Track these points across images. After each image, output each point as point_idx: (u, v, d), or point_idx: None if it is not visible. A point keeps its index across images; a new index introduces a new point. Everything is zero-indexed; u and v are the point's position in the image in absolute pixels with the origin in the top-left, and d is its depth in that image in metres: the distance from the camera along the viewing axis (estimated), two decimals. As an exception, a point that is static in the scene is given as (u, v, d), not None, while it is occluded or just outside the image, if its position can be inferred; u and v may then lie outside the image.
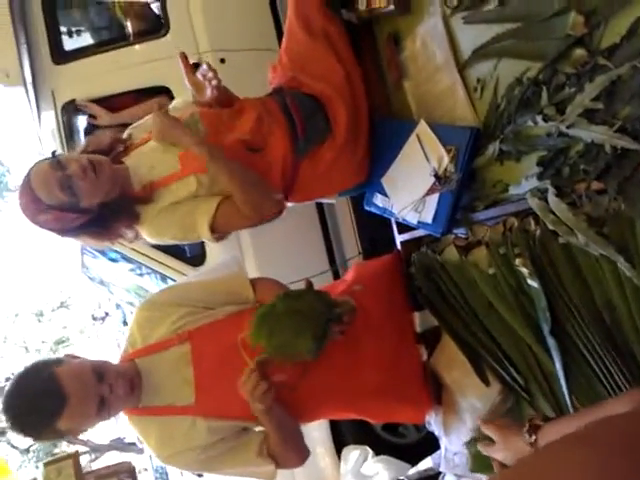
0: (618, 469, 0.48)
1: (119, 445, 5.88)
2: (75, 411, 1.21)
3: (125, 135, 1.57)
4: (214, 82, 1.47)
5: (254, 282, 1.49)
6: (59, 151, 2.61)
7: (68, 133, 2.85)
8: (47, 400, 1.19)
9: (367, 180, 1.70)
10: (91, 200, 1.37)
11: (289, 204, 1.67)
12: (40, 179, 1.34)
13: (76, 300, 14.24)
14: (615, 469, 0.48)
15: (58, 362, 1.26)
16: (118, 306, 6.13)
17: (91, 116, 2.74)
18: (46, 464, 1.50)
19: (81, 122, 2.93)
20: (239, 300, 1.45)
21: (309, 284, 1.37)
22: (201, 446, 1.33)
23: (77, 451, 1.55)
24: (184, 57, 1.47)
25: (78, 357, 1.33)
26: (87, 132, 2.75)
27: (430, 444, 1.79)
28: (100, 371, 1.26)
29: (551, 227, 1.12)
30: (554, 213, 1.10)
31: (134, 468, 1.63)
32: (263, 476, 1.40)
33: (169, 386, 1.36)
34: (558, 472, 0.48)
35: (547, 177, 1.15)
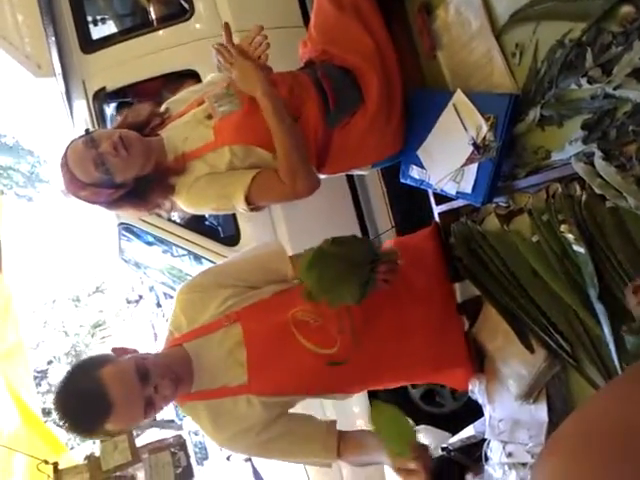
0: None
1: (159, 423, 6.06)
2: (122, 415, 1.22)
3: (162, 108, 1.59)
4: (264, 46, 1.43)
5: (293, 258, 1.50)
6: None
7: (100, 121, 2.89)
8: (94, 406, 1.19)
9: (402, 152, 1.69)
10: (124, 175, 1.40)
11: (322, 176, 1.68)
12: (76, 158, 1.37)
13: (111, 285, 14.59)
14: None
15: (104, 362, 1.24)
16: (151, 289, 6.25)
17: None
18: (103, 440, 1.57)
19: (112, 110, 2.98)
20: (279, 277, 1.47)
21: (353, 235, 1.38)
22: (258, 424, 1.34)
23: (131, 429, 1.61)
24: (227, 27, 1.44)
25: (125, 350, 1.31)
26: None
27: (467, 413, 1.81)
28: (144, 372, 1.23)
29: (598, 191, 1.10)
30: (601, 177, 1.08)
31: (184, 441, 1.69)
32: (324, 465, 1.43)
33: (221, 368, 1.35)
34: (624, 414, 0.49)
35: (593, 140, 1.12)
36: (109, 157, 1.35)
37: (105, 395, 1.17)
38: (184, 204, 1.50)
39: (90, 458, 1.57)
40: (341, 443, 1.39)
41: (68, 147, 1.40)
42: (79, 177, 1.37)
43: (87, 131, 1.43)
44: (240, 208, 1.46)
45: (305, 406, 1.47)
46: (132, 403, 1.21)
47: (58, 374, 13.14)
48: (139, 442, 1.72)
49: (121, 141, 1.36)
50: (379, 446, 1.34)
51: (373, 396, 2.75)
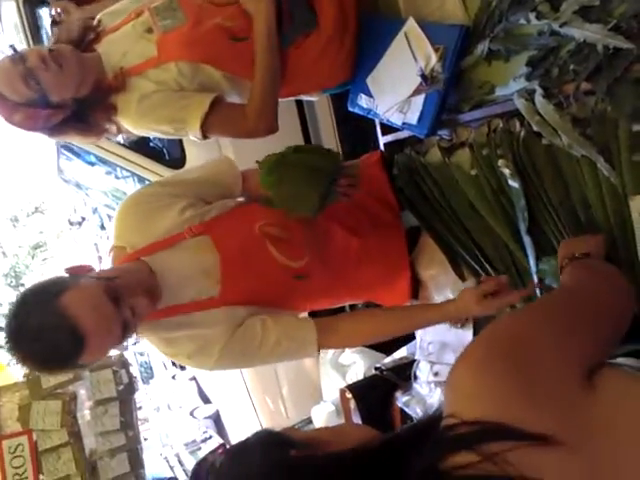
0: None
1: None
2: (97, 347, 1.05)
3: (95, 21, 1.49)
4: None
5: (244, 172, 1.47)
6: (25, 47, 2.47)
7: (33, 27, 2.67)
8: (62, 344, 1.00)
9: (352, 79, 1.67)
10: (60, 93, 1.31)
11: None
12: (3, 76, 1.28)
13: (51, 205, 14.05)
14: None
15: (62, 288, 1.03)
16: (95, 210, 6.07)
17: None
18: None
19: (46, 14, 2.75)
20: (230, 192, 1.44)
21: (318, 145, 1.36)
22: (235, 327, 1.26)
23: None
24: None
25: (82, 269, 1.14)
26: (54, 24, 2.59)
27: (401, 337, 1.92)
28: (115, 292, 1.07)
29: (536, 128, 1.14)
30: (540, 114, 1.11)
31: (126, 360, 1.72)
32: (309, 349, 1.32)
33: (188, 281, 1.26)
34: (524, 326, 0.60)
35: (535, 78, 1.14)
36: (39, 72, 1.26)
37: (73, 328, 0.99)
38: (130, 124, 1.43)
39: (29, 376, 1.58)
40: (323, 331, 1.33)
41: None
42: (8, 96, 1.27)
43: (14, 49, 1.31)
44: (192, 135, 1.41)
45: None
46: (107, 331, 1.05)
47: (-4, 295, 12.83)
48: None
49: (51, 54, 1.27)
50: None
51: (313, 316, 2.86)
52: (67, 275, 1.11)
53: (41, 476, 1.56)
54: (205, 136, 1.42)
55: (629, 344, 0.85)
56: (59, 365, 1.07)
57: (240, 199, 1.46)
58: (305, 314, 1.57)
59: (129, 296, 1.08)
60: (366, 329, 1.35)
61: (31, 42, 2.64)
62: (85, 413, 1.64)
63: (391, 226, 1.60)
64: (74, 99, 1.33)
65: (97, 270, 1.17)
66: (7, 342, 1.02)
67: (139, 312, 1.10)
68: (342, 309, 1.72)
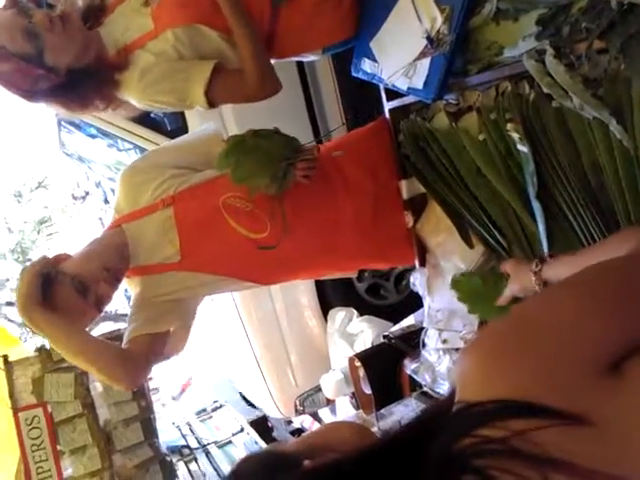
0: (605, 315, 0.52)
1: (112, 316, 6.16)
2: (79, 323, 1.32)
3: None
4: None
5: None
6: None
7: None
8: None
9: (354, 38, 1.62)
10: (57, 57, 1.28)
11: (272, 61, 1.60)
12: (4, 23, 1.23)
13: (54, 180, 14.02)
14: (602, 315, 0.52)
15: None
16: (98, 184, 6.07)
17: None
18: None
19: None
20: (214, 159, 1.47)
21: (276, 128, 1.45)
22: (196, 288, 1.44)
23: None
24: None
25: (59, 257, 1.37)
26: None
27: (409, 306, 1.93)
28: (82, 286, 1.30)
29: (546, 90, 1.11)
30: (550, 75, 1.08)
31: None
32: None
33: (155, 248, 1.44)
34: (550, 314, 0.53)
35: (546, 37, 1.11)
36: (43, 30, 1.23)
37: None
38: (134, 99, 1.42)
39: (41, 350, 1.60)
40: None
41: None
42: (4, 44, 1.22)
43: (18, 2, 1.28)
44: (198, 105, 1.41)
45: (255, 294, 1.52)
46: (81, 312, 1.31)
47: (4, 271, 12.93)
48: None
49: (59, 17, 1.25)
50: None
51: (321, 289, 2.87)
52: (50, 267, 1.33)
53: (58, 446, 1.60)
54: (211, 105, 1.40)
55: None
56: None
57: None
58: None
59: (93, 283, 1.32)
60: None
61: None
62: (97, 385, 1.66)
63: (387, 195, 1.59)
64: (68, 69, 1.30)
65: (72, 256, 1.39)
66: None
67: (103, 295, 1.34)
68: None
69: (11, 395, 1.59)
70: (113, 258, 1.39)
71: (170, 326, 1.42)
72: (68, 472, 1.61)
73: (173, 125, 2.86)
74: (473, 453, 0.45)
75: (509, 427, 0.44)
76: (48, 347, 1.59)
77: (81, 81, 1.33)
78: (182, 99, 1.39)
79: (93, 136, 3.43)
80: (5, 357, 1.61)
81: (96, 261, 1.35)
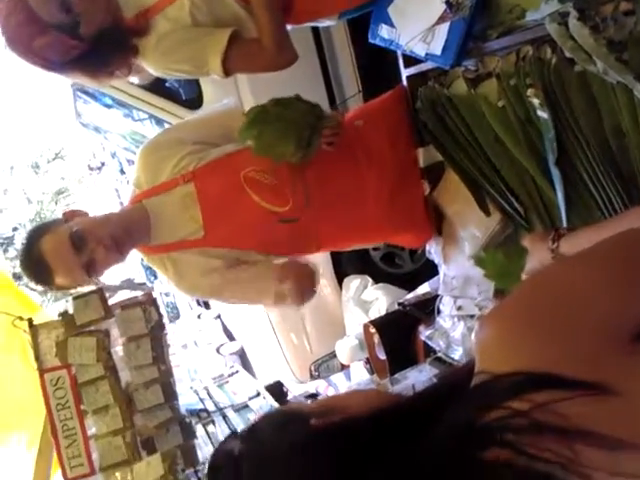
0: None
1: (130, 285, 6.26)
2: (64, 277, 1.36)
3: None
4: None
5: None
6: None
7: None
8: (39, 272, 1.36)
9: (370, 3, 1.59)
10: (90, 25, 1.27)
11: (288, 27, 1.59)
12: None
13: (71, 151, 14.11)
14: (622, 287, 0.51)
15: (44, 231, 1.35)
16: (114, 155, 6.10)
17: None
18: (75, 298, 1.63)
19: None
20: (235, 133, 1.46)
21: (297, 95, 1.43)
22: (219, 268, 1.43)
23: (102, 287, 1.67)
24: None
25: (74, 214, 1.40)
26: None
27: (423, 274, 1.94)
28: (79, 240, 1.31)
29: (569, 54, 1.09)
30: (573, 39, 1.06)
31: (155, 298, 1.77)
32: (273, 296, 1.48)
33: (178, 223, 1.43)
34: (571, 285, 0.52)
35: (569, -1, 1.08)
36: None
37: (44, 263, 1.32)
38: (151, 66, 1.42)
39: (64, 314, 1.64)
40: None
41: None
42: (41, 15, 1.21)
43: None
44: (214, 73, 1.40)
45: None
46: (69, 269, 1.34)
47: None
48: (112, 301, 1.78)
49: None
50: None
51: (336, 257, 2.88)
52: (62, 217, 1.41)
53: (82, 406, 1.66)
54: (227, 73, 1.39)
55: None
56: (44, 285, 1.41)
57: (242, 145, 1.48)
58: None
59: (93, 242, 1.32)
60: None
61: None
62: (118, 349, 1.71)
63: (405, 164, 1.58)
64: (93, 36, 1.30)
65: (91, 215, 1.43)
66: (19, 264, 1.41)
67: (97, 258, 1.33)
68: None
69: (37, 357, 1.64)
70: (127, 231, 1.38)
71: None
72: (92, 431, 1.68)
73: (188, 94, 2.85)
74: (500, 427, 0.44)
75: (533, 400, 0.43)
76: (71, 312, 1.63)
77: (104, 48, 1.32)
78: (198, 67, 1.39)
79: (109, 106, 3.44)
80: (30, 320, 1.66)
81: (106, 227, 1.36)
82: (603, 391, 0.43)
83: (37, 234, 1.36)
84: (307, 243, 1.56)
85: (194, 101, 2.78)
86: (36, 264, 1.34)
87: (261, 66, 1.45)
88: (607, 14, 0.99)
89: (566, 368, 0.45)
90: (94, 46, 1.31)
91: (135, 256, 1.54)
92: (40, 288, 1.49)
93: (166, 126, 2.98)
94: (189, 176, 1.43)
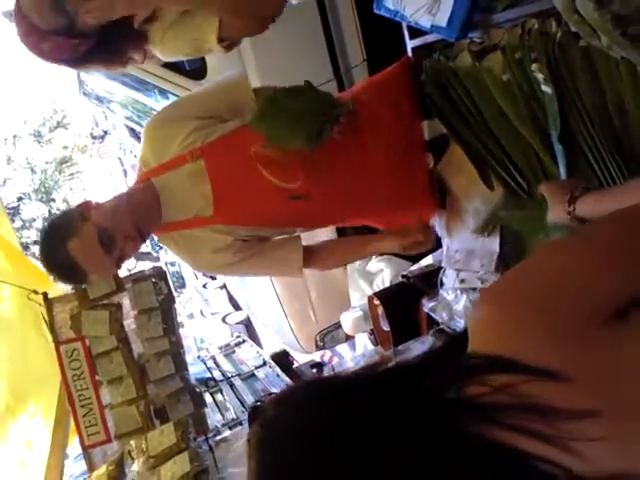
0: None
1: (136, 255, 6.32)
2: (98, 275, 1.40)
3: None
4: None
5: (256, 90, 1.50)
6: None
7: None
8: (73, 274, 1.35)
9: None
10: (86, 20, 1.25)
11: (294, 1, 1.58)
12: (32, 4, 1.24)
13: (73, 120, 14.03)
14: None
15: (69, 234, 1.31)
16: (116, 125, 6.06)
17: None
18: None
19: None
20: (242, 108, 1.47)
21: (308, 83, 1.41)
22: (232, 245, 1.45)
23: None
24: None
25: (89, 205, 1.37)
26: None
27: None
28: (107, 240, 1.30)
29: (574, 28, 1.08)
30: (579, 12, 1.05)
31: (164, 272, 1.81)
32: (294, 268, 1.55)
33: (188, 201, 1.43)
34: (559, 264, 0.56)
35: (576, -29, 1.07)
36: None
37: (77, 266, 1.31)
38: (160, 53, 1.44)
39: (77, 288, 1.69)
40: (307, 255, 1.55)
41: None
42: (37, 23, 1.24)
43: None
44: (215, 50, 1.41)
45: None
46: (103, 267, 1.36)
47: (29, 210, 13.23)
48: (121, 273, 1.83)
49: None
50: (355, 245, 1.70)
51: (341, 229, 2.90)
52: (77, 212, 1.38)
53: (97, 377, 1.72)
54: (226, 48, 1.40)
55: None
56: (78, 283, 1.53)
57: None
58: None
59: (120, 239, 1.32)
60: (335, 259, 1.69)
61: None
62: (130, 322, 1.76)
63: (410, 138, 1.58)
64: (100, 27, 1.30)
65: (103, 204, 1.40)
66: (44, 265, 1.42)
67: (127, 253, 1.36)
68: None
69: (52, 330, 1.69)
70: (143, 214, 1.38)
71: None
72: (107, 400, 1.74)
73: (192, 65, 2.83)
74: (476, 403, 0.50)
75: (497, 380, 0.50)
76: (84, 286, 1.67)
77: (114, 37, 1.33)
78: (199, 47, 1.41)
79: (112, 77, 3.41)
80: (45, 294, 1.71)
81: (127, 216, 1.34)
82: (554, 377, 0.49)
83: (60, 238, 1.32)
84: (316, 220, 1.58)
85: (198, 71, 2.76)
86: (69, 269, 1.33)
87: (249, 34, 1.50)
88: (613, -12, 0.99)
89: (543, 354, 0.50)
90: (101, 39, 1.31)
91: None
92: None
93: (170, 97, 2.98)
94: (197, 152, 1.41)
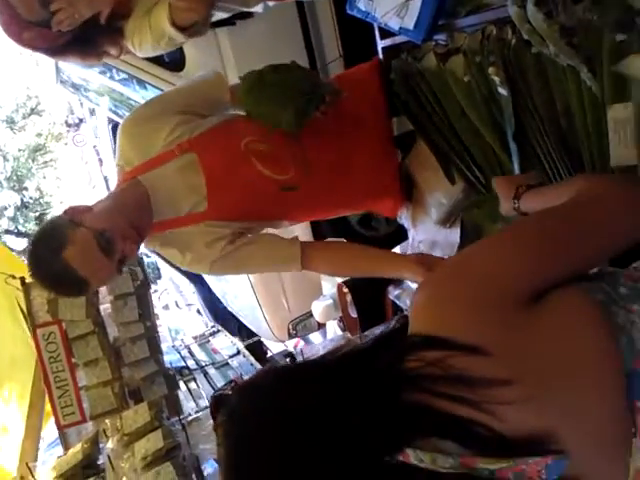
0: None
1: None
2: (98, 282, 1.32)
3: None
4: None
5: (231, 87, 1.52)
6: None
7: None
8: (72, 285, 1.26)
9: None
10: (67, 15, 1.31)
11: (270, 3, 1.64)
12: None
13: (48, 107, 13.76)
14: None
15: (64, 243, 1.22)
16: (92, 112, 5.99)
17: None
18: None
19: None
20: (220, 104, 1.50)
21: (294, 63, 1.42)
22: (222, 238, 1.40)
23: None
24: None
25: (76, 210, 1.29)
26: None
27: (397, 236, 2.04)
28: (106, 243, 1.23)
29: (526, 37, 1.17)
30: (530, 23, 1.14)
31: (142, 258, 1.86)
32: (292, 262, 1.44)
33: (179, 196, 1.38)
34: (487, 256, 0.67)
35: (529, -17, 1.16)
36: None
37: (78, 275, 1.22)
38: (134, 49, 1.47)
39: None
40: (306, 251, 1.45)
41: None
42: (23, 15, 1.29)
43: None
44: (175, 37, 1.41)
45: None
46: (104, 272, 1.27)
47: (1, 198, 12.97)
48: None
49: None
50: (373, 260, 1.50)
51: (314, 221, 2.97)
52: (66, 219, 1.28)
53: (73, 359, 1.77)
54: (186, 34, 1.41)
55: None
56: (80, 294, 1.42)
57: (229, 112, 1.52)
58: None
59: (119, 241, 1.25)
60: (342, 263, 1.52)
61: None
62: (107, 306, 1.81)
63: (381, 132, 1.66)
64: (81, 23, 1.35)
65: (92, 207, 1.32)
66: (35, 276, 1.29)
67: (128, 254, 1.28)
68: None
69: (29, 313, 1.74)
70: (137, 213, 1.32)
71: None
72: (83, 382, 1.79)
73: (170, 56, 2.86)
74: (410, 372, 0.59)
75: (430, 355, 0.59)
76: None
77: (92, 32, 1.38)
78: (160, 36, 1.41)
79: (90, 65, 3.41)
80: (22, 279, 1.74)
81: (122, 216, 1.28)
82: (475, 351, 0.58)
83: (54, 249, 1.22)
84: (302, 211, 1.58)
85: (177, 63, 2.79)
86: (69, 280, 1.23)
87: (197, 13, 1.41)
88: (559, 1, 1.08)
89: (466, 332, 0.60)
90: (79, 33, 1.36)
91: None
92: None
93: (149, 88, 3.00)
94: (186, 146, 1.38)
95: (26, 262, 1.42)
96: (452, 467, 0.56)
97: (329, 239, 2.93)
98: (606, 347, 0.63)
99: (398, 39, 1.64)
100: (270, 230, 1.58)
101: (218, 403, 0.70)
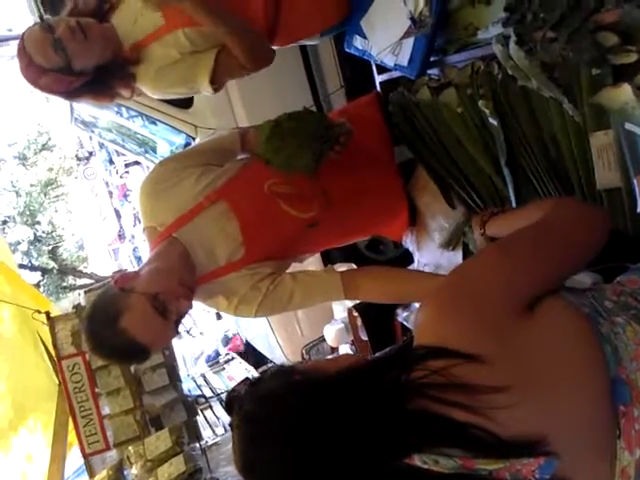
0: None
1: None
2: (160, 345, 1.36)
3: None
4: None
5: (241, 132, 1.60)
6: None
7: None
8: (134, 354, 1.26)
9: (347, 20, 1.76)
10: (83, 61, 1.44)
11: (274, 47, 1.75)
12: (33, 43, 1.40)
13: (58, 142, 14.08)
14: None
15: (119, 311, 1.21)
16: (102, 145, 6.15)
17: None
18: (86, 292, 1.81)
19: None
20: (231, 152, 1.58)
21: (306, 109, 1.51)
22: (262, 279, 1.40)
23: (110, 279, 1.84)
24: None
25: (126, 277, 1.28)
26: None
27: (405, 259, 2.11)
28: (162, 306, 1.23)
29: (510, 72, 1.26)
30: (513, 59, 1.23)
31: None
32: (334, 292, 1.46)
33: (215, 246, 1.39)
34: (478, 271, 0.73)
35: (511, 24, 1.25)
36: (67, 41, 1.39)
37: (138, 344, 1.22)
38: (150, 91, 1.57)
39: (78, 307, 1.82)
40: (348, 280, 1.45)
41: (24, 34, 1.42)
42: (37, 62, 1.39)
43: (42, 19, 1.44)
44: (205, 91, 1.55)
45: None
46: (163, 336, 1.28)
47: (14, 234, 13.20)
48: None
49: (78, 26, 1.40)
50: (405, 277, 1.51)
51: (324, 252, 3.05)
52: (116, 288, 1.27)
53: (96, 389, 1.84)
54: (216, 90, 1.55)
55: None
56: (140, 361, 1.41)
57: (241, 157, 1.58)
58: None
59: (173, 301, 1.25)
60: (384, 288, 1.49)
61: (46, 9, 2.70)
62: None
63: (386, 161, 1.75)
64: (95, 67, 1.46)
65: (138, 269, 1.34)
66: (96, 352, 1.30)
67: (184, 311, 1.28)
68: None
69: (54, 345, 1.82)
70: (183, 270, 1.32)
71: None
72: (106, 410, 1.87)
73: (179, 94, 2.98)
74: (415, 382, 0.66)
75: (433, 365, 0.66)
76: (84, 304, 1.80)
77: (105, 76, 1.49)
78: (190, 87, 1.55)
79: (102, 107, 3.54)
80: (47, 313, 1.83)
81: (171, 276, 1.28)
82: (476, 359, 0.65)
83: (110, 320, 1.22)
84: (323, 242, 1.65)
85: (185, 100, 2.91)
86: (129, 348, 1.23)
87: (242, 74, 1.58)
88: (538, 40, 1.17)
89: (475, 341, 0.67)
90: (95, 77, 1.48)
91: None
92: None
93: (158, 125, 3.12)
94: (214, 196, 1.40)
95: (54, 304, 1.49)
96: (453, 468, 0.63)
97: (339, 264, 3.01)
98: (592, 356, 0.70)
99: (394, 74, 1.74)
100: (294, 264, 1.60)
101: (232, 401, 0.77)
